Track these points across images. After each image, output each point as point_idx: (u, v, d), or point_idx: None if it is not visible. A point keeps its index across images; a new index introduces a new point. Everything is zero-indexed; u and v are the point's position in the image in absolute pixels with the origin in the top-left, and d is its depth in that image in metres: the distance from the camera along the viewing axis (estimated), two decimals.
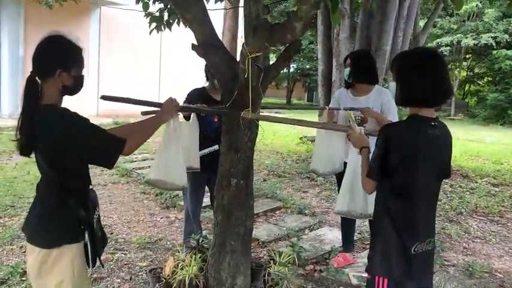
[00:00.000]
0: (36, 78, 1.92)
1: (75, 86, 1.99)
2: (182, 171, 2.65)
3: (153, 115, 2.35)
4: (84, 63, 2.04)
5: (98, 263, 2.10)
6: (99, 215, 2.13)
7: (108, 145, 1.95)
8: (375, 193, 2.10)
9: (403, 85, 2.02)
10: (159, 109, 2.39)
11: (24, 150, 1.95)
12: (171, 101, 2.36)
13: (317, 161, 3.43)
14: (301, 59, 28.34)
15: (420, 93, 1.96)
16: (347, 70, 3.61)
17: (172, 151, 2.54)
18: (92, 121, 1.93)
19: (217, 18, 9.74)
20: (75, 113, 1.90)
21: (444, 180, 2.25)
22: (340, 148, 3.35)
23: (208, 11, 2.87)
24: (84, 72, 2.04)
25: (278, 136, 12.34)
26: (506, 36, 21.40)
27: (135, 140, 2.02)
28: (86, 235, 1.99)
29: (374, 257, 2.06)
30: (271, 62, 2.86)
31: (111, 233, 4.51)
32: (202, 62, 3.10)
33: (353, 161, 2.63)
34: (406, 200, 1.98)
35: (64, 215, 1.96)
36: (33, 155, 1.98)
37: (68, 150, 1.88)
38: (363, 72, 3.57)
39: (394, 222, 1.98)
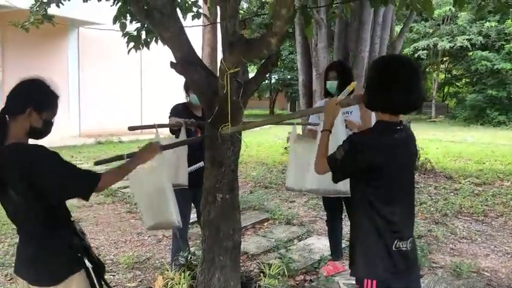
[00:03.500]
0: (6, 116, 1.88)
1: (42, 130, 1.95)
2: (172, 209, 2.76)
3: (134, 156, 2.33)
4: (58, 107, 1.99)
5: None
6: (88, 242, 2.12)
7: (82, 179, 1.93)
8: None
9: (374, 92, 2.02)
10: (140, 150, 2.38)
11: None
12: (153, 144, 2.36)
13: (292, 178, 3.34)
14: (282, 70, 28.55)
15: (391, 102, 1.96)
16: (334, 83, 3.65)
17: (154, 195, 2.69)
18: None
19: (196, 33, 9.79)
20: (44, 148, 1.86)
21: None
22: None
23: (186, 26, 2.89)
24: (58, 115, 2.00)
25: (263, 147, 12.37)
26: (480, 38, 21.93)
27: (110, 177, 2.01)
28: (86, 261, 1.98)
29: (357, 261, 2.07)
30: (251, 75, 2.87)
31: (99, 255, 4.45)
32: (183, 79, 3.12)
33: None
34: (387, 203, 1.99)
35: (59, 246, 1.94)
36: None
37: (41, 186, 1.84)
38: (348, 83, 3.68)
39: (374, 225, 1.99)
